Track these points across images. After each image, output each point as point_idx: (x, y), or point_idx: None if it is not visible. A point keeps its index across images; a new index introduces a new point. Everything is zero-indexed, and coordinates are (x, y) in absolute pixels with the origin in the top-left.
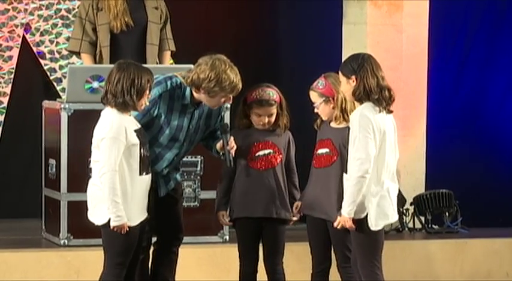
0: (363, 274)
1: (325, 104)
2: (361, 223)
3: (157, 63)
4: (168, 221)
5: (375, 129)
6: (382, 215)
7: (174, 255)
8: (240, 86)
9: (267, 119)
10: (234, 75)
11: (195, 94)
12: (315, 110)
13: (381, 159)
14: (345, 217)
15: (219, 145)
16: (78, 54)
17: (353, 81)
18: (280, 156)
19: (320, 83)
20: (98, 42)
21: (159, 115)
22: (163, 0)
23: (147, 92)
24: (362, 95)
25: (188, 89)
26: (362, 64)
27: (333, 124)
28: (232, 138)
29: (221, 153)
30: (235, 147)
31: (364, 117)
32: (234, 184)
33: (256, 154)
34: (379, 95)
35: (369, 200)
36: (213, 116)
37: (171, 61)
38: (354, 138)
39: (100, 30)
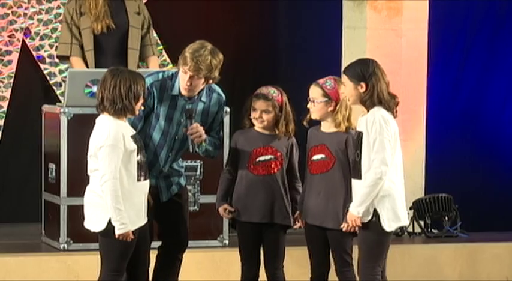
0: (364, 278)
1: (324, 104)
2: (372, 224)
3: (138, 68)
4: (173, 227)
5: (391, 132)
6: (395, 217)
7: (178, 261)
8: (199, 65)
9: (259, 114)
10: (201, 52)
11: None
12: (309, 105)
13: (395, 162)
14: (353, 215)
15: (184, 129)
16: (67, 59)
17: (361, 87)
18: (282, 162)
19: (329, 83)
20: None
21: (151, 106)
22: (145, 6)
23: (142, 96)
24: (374, 101)
25: (177, 80)
26: (373, 71)
27: (324, 129)
28: (196, 124)
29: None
30: (198, 134)
31: (384, 119)
32: (236, 186)
33: (257, 160)
34: (391, 102)
35: (382, 202)
36: (210, 114)
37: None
38: (374, 141)
39: (83, 34)
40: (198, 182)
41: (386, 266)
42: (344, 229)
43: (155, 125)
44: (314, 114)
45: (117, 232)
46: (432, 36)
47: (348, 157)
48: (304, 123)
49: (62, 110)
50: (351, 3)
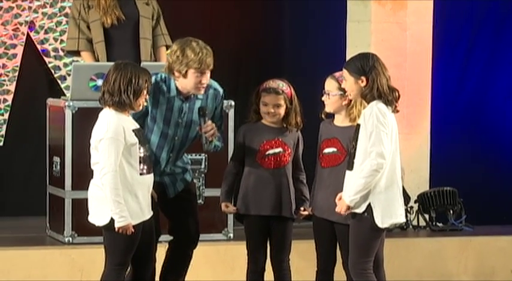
0: (354, 273)
1: (339, 97)
2: (365, 219)
3: (151, 58)
4: (182, 224)
5: (388, 125)
6: (389, 213)
7: (188, 257)
8: (208, 59)
9: (272, 109)
10: (199, 48)
11: (178, 84)
12: (324, 98)
13: (393, 157)
14: (344, 203)
15: (198, 127)
16: (77, 53)
17: (362, 81)
18: (290, 155)
19: None
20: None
21: (146, 111)
22: None
23: (145, 92)
24: (374, 96)
25: (173, 81)
26: (373, 65)
27: (337, 123)
28: (209, 122)
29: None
30: (212, 131)
31: (381, 112)
32: (243, 180)
33: (266, 153)
34: (392, 97)
35: (377, 198)
36: (208, 110)
37: None
38: (370, 133)
39: (92, 27)
40: (202, 175)
41: (385, 259)
42: (336, 209)
43: (152, 128)
44: (328, 107)
45: (116, 225)
46: (437, 29)
47: None
48: (323, 116)
49: (66, 104)
50: None
